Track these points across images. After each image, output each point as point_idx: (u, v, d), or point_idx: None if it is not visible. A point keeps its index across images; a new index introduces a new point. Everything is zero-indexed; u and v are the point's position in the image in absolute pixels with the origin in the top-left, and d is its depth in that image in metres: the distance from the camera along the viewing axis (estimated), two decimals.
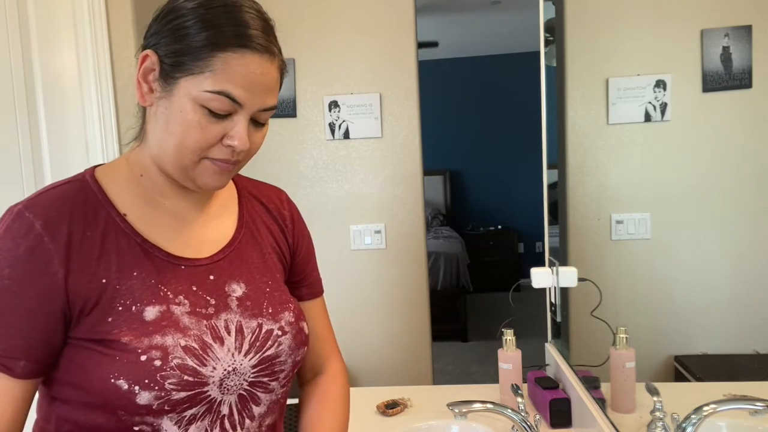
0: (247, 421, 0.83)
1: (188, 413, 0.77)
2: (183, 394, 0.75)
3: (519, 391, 1.36)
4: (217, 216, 0.89)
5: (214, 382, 0.78)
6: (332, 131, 2.41)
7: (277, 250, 0.94)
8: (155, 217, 0.83)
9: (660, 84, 1.04)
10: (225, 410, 0.81)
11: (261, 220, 0.94)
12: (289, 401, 0.89)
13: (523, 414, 1.27)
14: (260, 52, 0.76)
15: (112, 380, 0.73)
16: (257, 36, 0.76)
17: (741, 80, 0.87)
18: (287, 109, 2.42)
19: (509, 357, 1.53)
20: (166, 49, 0.76)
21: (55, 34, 1.95)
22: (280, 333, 0.85)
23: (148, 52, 0.77)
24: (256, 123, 0.80)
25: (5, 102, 1.88)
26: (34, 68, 1.93)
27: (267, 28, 0.79)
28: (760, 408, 0.81)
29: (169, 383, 0.74)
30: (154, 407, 0.74)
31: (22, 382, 0.74)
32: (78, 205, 0.78)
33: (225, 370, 0.79)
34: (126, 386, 0.73)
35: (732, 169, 0.90)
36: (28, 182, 1.92)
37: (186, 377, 0.75)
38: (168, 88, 0.76)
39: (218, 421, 0.80)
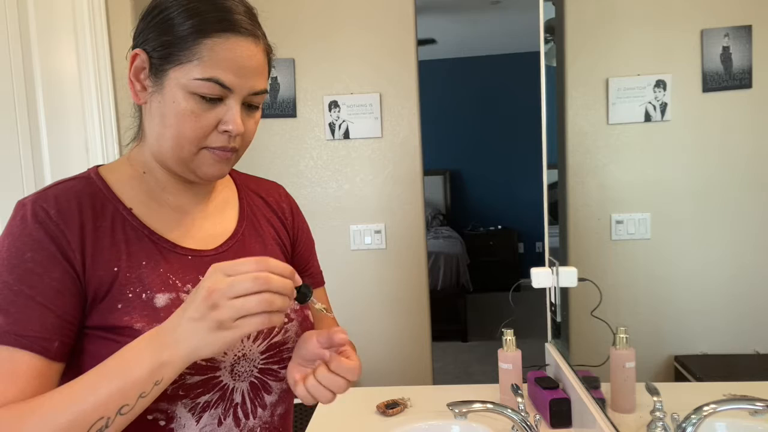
0: (260, 410, 0.85)
1: (202, 399, 0.78)
2: (196, 378, 0.77)
3: (519, 391, 1.36)
4: (218, 210, 0.91)
5: (225, 367, 0.80)
6: (332, 131, 2.41)
7: (279, 242, 0.96)
8: (160, 212, 0.84)
9: (660, 84, 1.04)
10: (238, 398, 0.82)
11: (261, 213, 0.96)
12: (296, 400, 0.90)
13: (523, 414, 1.27)
14: (245, 35, 0.77)
15: None
16: (241, 20, 0.78)
17: (741, 80, 0.87)
18: (287, 109, 2.42)
19: (509, 357, 1.53)
20: (153, 44, 0.78)
21: (55, 34, 1.95)
22: (286, 320, 0.87)
23: (137, 50, 0.79)
24: (249, 108, 0.82)
25: (5, 102, 1.88)
26: (34, 68, 1.93)
27: (250, 12, 0.80)
28: (760, 408, 0.81)
29: None
30: (168, 392, 0.75)
31: (55, 363, 0.73)
32: (86, 199, 0.79)
33: (235, 355, 0.81)
34: None
35: (732, 169, 0.90)
36: (28, 182, 1.92)
37: (199, 361, 0.76)
38: (159, 82, 0.78)
39: (231, 409, 0.82)
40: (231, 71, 0.76)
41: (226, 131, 0.78)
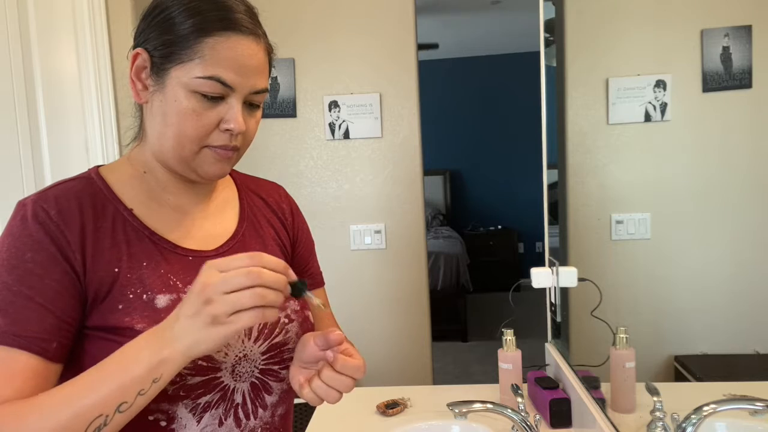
0: (260, 410, 0.85)
1: (202, 400, 0.78)
2: (197, 379, 0.77)
3: (519, 391, 1.36)
4: (219, 211, 0.91)
5: (226, 368, 0.80)
6: (332, 131, 2.41)
7: (279, 243, 0.96)
8: (160, 212, 0.84)
9: (660, 84, 1.04)
10: (239, 399, 0.82)
11: (261, 213, 0.96)
12: (297, 400, 0.90)
13: (523, 414, 1.27)
14: (245, 34, 0.78)
15: None
16: (242, 19, 0.78)
17: (741, 80, 0.87)
18: (287, 109, 2.42)
19: (509, 357, 1.53)
20: (155, 43, 0.78)
21: (55, 34, 1.95)
22: (287, 321, 0.87)
23: (138, 50, 0.80)
24: (250, 107, 0.82)
25: (5, 102, 1.88)
26: (34, 68, 1.93)
27: (250, 12, 0.81)
28: (760, 408, 0.81)
29: (183, 368, 0.74)
30: (169, 392, 0.75)
31: (52, 365, 0.73)
32: (86, 199, 0.79)
33: (236, 356, 0.81)
34: None
35: (732, 169, 0.90)
36: (28, 182, 1.92)
37: (200, 362, 0.77)
38: (160, 81, 0.78)
39: (232, 410, 0.82)
40: (232, 70, 0.76)
41: (227, 130, 0.79)
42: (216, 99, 0.77)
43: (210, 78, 0.76)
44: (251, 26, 0.79)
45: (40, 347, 0.72)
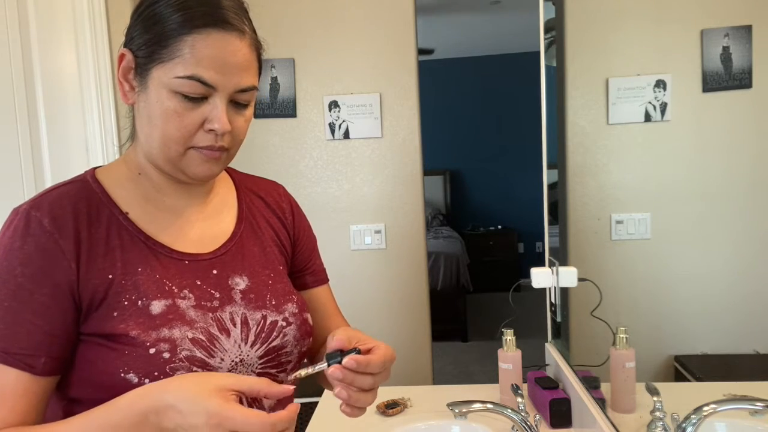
0: None
1: None
2: None
3: (519, 391, 1.36)
4: (216, 212, 0.90)
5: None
6: (332, 131, 2.41)
7: (278, 243, 0.95)
8: (156, 214, 0.83)
9: (660, 84, 1.04)
10: None
11: (260, 214, 0.95)
12: (300, 400, 0.89)
13: (523, 414, 1.27)
14: (227, 30, 0.75)
15: (122, 374, 0.73)
16: (224, 15, 0.75)
17: (741, 80, 0.87)
18: (287, 109, 2.42)
19: (509, 357, 1.53)
20: (138, 42, 0.76)
21: (55, 34, 1.95)
22: (284, 324, 0.86)
23: (123, 50, 0.78)
24: (238, 105, 0.79)
25: (5, 102, 1.88)
26: (34, 68, 1.93)
27: (236, 7, 0.78)
28: (760, 408, 0.81)
29: (178, 375, 0.74)
30: None
31: (42, 379, 0.73)
32: (81, 204, 0.78)
33: (232, 361, 0.80)
34: (136, 380, 0.73)
35: (732, 169, 0.90)
36: (28, 182, 1.92)
37: (195, 369, 0.76)
38: (144, 82, 0.76)
39: None
40: (213, 68, 0.74)
41: (211, 130, 0.76)
42: (198, 99, 0.75)
43: (190, 78, 0.73)
44: (235, 22, 0.75)
45: (27, 364, 0.72)
